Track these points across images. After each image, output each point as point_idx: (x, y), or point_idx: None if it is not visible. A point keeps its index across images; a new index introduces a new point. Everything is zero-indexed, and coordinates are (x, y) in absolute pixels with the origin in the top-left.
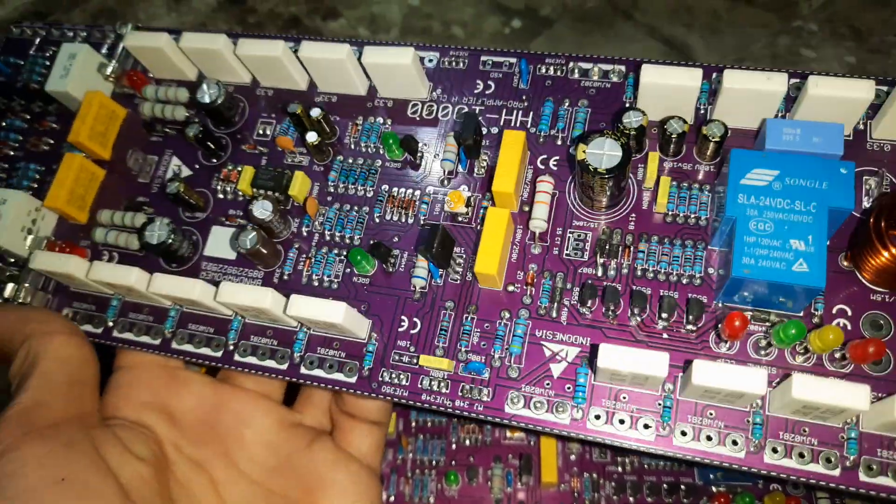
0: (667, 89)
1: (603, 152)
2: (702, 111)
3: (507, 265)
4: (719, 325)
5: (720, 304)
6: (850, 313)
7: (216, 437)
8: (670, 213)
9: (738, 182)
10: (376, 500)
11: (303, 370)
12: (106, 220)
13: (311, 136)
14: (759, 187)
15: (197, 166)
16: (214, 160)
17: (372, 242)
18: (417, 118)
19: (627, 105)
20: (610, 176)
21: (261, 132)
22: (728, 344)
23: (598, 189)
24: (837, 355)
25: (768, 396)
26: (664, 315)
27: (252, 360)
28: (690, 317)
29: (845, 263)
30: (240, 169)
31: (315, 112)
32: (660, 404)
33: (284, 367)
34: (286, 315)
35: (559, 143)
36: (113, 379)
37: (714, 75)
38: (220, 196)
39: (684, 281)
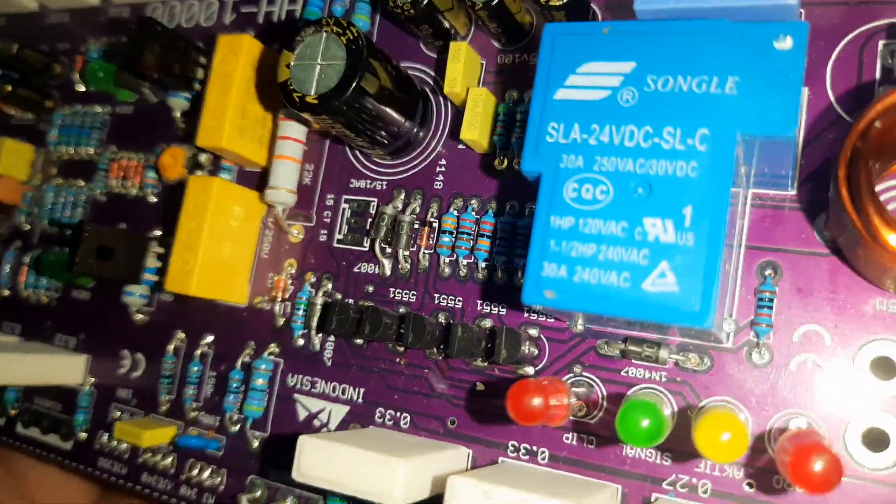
0: None
1: (317, 62)
2: None
3: (257, 262)
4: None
5: (578, 328)
6: (827, 341)
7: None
8: (499, 154)
9: (551, 98)
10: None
11: (18, 429)
12: None
13: None
14: (592, 105)
15: None
16: None
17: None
18: (161, 27)
19: None
20: (326, 107)
21: None
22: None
23: (338, 131)
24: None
25: None
26: (465, 360)
27: None
28: (505, 358)
29: (825, 233)
30: None
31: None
32: None
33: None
34: None
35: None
36: None
37: None
38: None
39: (521, 278)
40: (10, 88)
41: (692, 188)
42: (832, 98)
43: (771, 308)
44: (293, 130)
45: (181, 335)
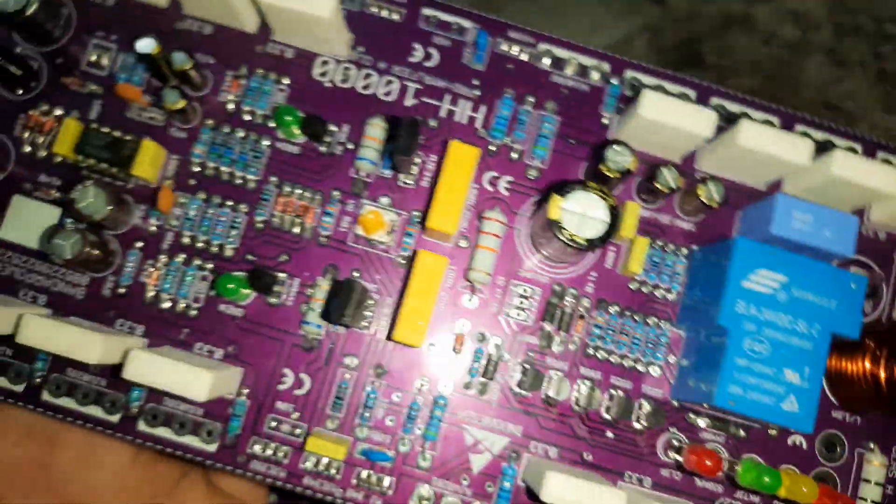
0: (667, 129)
1: (584, 213)
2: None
3: (434, 313)
4: (682, 451)
5: (675, 403)
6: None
7: (52, 484)
8: (639, 279)
9: (740, 284)
10: None
11: (141, 426)
12: None
13: (172, 98)
14: (762, 296)
15: None
16: (21, 92)
17: (252, 270)
18: (327, 82)
19: (605, 124)
20: (591, 247)
21: (94, 59)
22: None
23: (564, 254)
24: None
25: None
26: (616, 419)
27: (68, 402)
28: (647, 423)
29: None
30: (59, 115)
31: (179, 59)
32: None
33: (115, 418)
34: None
35: (514, 156)
36: None
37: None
38: (28, 149)
39: (640, 368)
40: (183, 104)
41: (809, 356)
42: None
43: None
44: (496, 227)
45: (352, 361)
